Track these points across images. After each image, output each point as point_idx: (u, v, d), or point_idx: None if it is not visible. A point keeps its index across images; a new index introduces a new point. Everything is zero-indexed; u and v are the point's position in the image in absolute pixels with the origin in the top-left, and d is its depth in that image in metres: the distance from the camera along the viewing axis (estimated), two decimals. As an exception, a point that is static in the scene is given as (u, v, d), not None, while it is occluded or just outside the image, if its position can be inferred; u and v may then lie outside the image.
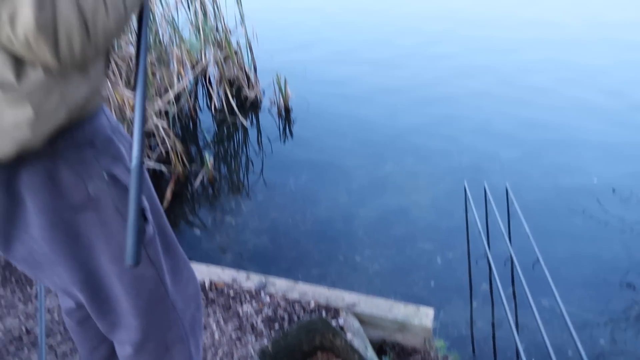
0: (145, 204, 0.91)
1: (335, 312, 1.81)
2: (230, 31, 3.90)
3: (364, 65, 4.70)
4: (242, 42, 4.03)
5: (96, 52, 0.67)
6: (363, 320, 1.84)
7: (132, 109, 2.32)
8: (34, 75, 0.66)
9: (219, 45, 3.87)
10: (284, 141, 3.67)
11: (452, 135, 3.51)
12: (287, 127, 3.84)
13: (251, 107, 4.06)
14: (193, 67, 3.71)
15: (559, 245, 2.49)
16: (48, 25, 0.60)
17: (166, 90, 3.39)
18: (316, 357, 1.65)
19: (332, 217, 2.84)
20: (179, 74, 3.43)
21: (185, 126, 3.91)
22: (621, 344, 2.05)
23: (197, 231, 2.86)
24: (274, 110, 3.98)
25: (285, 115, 3.93)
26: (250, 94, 4.00)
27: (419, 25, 5.70)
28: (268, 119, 3.93)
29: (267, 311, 1.83)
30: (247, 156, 3.60)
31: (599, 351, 2.02)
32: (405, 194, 2.97)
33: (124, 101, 2.74)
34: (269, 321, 1.79)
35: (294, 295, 1.89)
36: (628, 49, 4.68)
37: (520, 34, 5.19)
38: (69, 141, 0.78)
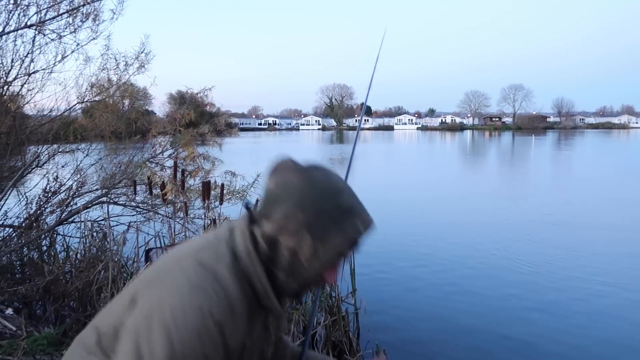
0: None
1: None
2: (342, 299, 4.49)
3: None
4: (351, 309, 4.56)
5: None
6: None
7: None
8: None
9: (330, 310, 4.42)
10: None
11: None
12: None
13: (350, 372, 4.31)
14: (305, 330, 4.22)
15: None
16: None
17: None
18: None
19: None
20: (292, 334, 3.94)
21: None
22: None
23: None
24: (370, 379, 4.17)
25: (381, 386, 4.08)
26: (351, 359, 4.31)
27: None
28: (364, 387, 4.11)
29: None
30: None
31: None
32: None
33: None
34: None
35: None
36: None
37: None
38: None
